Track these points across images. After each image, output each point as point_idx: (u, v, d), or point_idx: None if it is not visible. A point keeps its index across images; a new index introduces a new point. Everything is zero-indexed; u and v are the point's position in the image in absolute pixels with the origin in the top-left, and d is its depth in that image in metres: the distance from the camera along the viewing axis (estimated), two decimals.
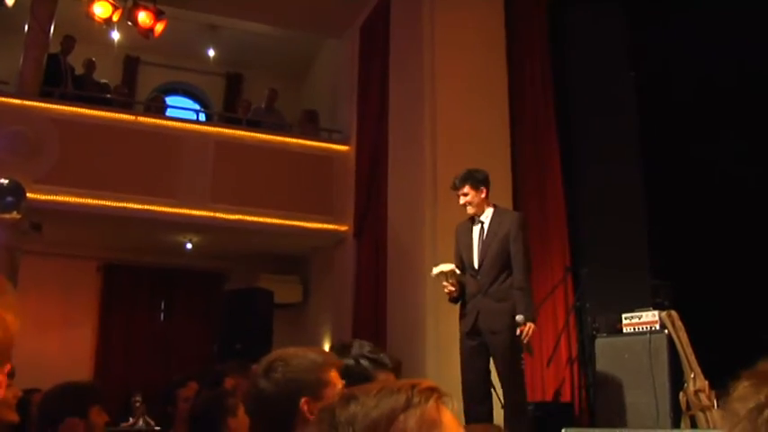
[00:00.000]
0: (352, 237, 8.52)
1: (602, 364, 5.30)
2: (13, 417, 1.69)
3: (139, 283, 9.83)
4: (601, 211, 6.23)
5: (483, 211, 4.91)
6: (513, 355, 4.69)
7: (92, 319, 9.63)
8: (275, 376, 1.80)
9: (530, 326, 4.60)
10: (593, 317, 5.65)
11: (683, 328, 4.85)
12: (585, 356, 5.70)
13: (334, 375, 1.87)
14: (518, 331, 4.59)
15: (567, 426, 4.58)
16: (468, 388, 4.72)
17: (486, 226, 4.88)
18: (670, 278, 5.38)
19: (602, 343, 5.32)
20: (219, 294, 9.36)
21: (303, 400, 1.78)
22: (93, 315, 9.64)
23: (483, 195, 4.89)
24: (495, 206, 4.99)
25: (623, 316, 5.20)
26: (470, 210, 4.89)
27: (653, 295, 5.26)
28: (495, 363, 4.73)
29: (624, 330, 5.18)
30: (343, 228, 8.72)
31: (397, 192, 7.69)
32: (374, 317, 7.73)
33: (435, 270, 4.86)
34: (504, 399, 4.71)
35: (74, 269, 9.43)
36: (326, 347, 8.91)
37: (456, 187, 4.92)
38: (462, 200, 4.88)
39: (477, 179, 4.89)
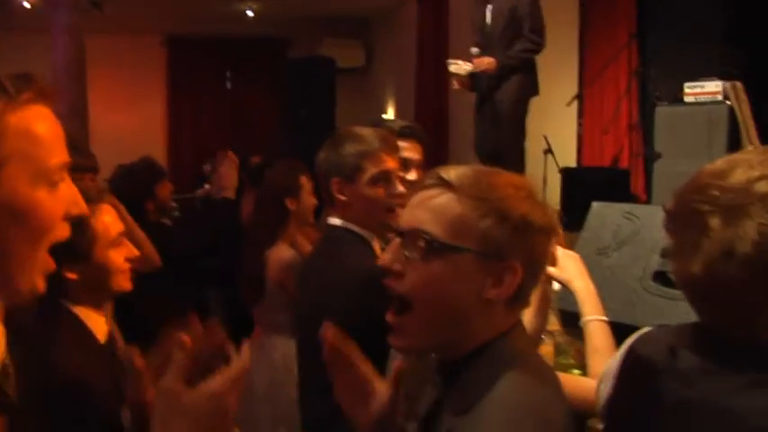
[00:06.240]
0: None
1: (661, 133, 5.26)
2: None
3: (204, 54, 9.91)
4: None
5: None
6: None
7: (161, 93, 9.94)
8: None
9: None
10: (656, 84, 5.51)
11: (746, 100, 4.68)
12: (645, 124, 5.65)
13: None
14: None
15: (621, 195, 4.74)
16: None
17: None
18: (744, 45, 5.12)
19: (662, 111, 5.21)
20: (283, 62, 9.41)
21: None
22: (162, 89, 9.94)
23: None
24: None
25: (686, 85, 5.04)
26: None
27: (721, 63, 5.06)
28: None
29: (686, 100, 5.05)
30: None
31: None
32: (435, 79, 7.71)
33: (451, 68, 4.92)
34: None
35: (139, 45, 9.57)
36: (391, 113, 9.06)
37: None
38: None
39: None
